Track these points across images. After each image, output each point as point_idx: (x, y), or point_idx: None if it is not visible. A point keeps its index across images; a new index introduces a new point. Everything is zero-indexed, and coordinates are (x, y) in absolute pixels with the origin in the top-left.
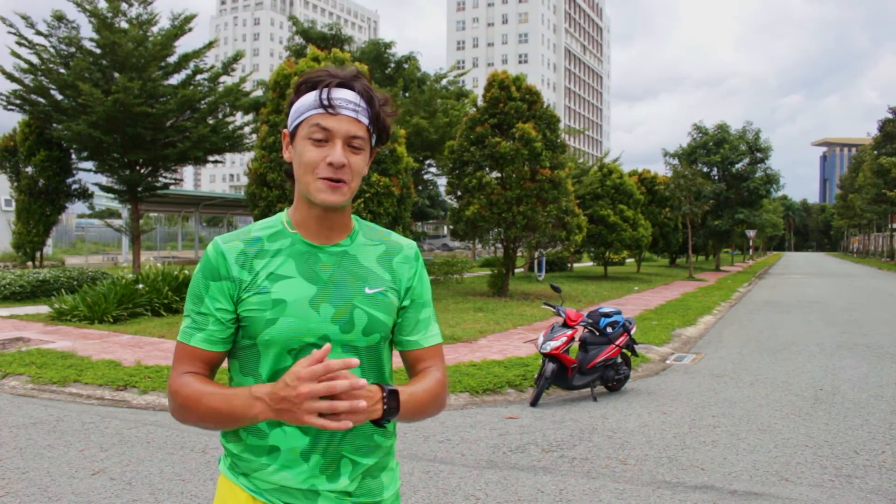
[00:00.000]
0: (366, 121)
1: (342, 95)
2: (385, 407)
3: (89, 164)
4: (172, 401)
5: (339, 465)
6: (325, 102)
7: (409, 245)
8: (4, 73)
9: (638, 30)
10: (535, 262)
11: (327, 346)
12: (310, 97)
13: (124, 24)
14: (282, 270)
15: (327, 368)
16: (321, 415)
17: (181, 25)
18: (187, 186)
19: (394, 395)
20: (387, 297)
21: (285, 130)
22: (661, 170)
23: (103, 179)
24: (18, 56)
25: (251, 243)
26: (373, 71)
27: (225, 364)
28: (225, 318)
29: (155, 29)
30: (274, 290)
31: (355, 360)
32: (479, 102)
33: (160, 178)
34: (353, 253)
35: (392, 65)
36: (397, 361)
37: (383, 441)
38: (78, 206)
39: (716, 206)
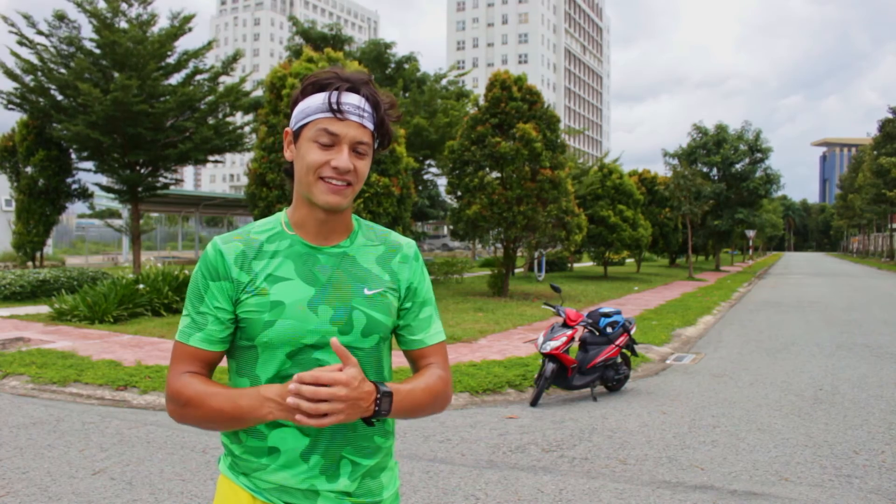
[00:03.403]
0: (371, 126)
1: (350, 100)
2: (376, 408)
3: (89, 164)
4: (173, 401)
5: (338, 465)
6: (335, 107)
7: (408, 244)
8: (6, 70)
9: (638, 30)
10: (535, 262)
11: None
12: (317, 99)
13: (124, 25)
14: (280, 272)
15: (332, 380)
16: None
17: (181, 25)
18: (187, 186)
19: (387, 396)
20: (386, 298)
21: (287, 129)
22: (661, 170)
23: (103, 179)
24: (18, 56)
25: (250, 244)
26: (373, 71)
27: (224, 364)
28: (224, 317)
29: (155, 29)
30: (272, 291)
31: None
32: (481, 102)
33: (160, 179)
34: (352, 254)
35: (392, 65)
36: (397, 361)
37: (384, 442)
38: (78, 206)
39: (716, 206)
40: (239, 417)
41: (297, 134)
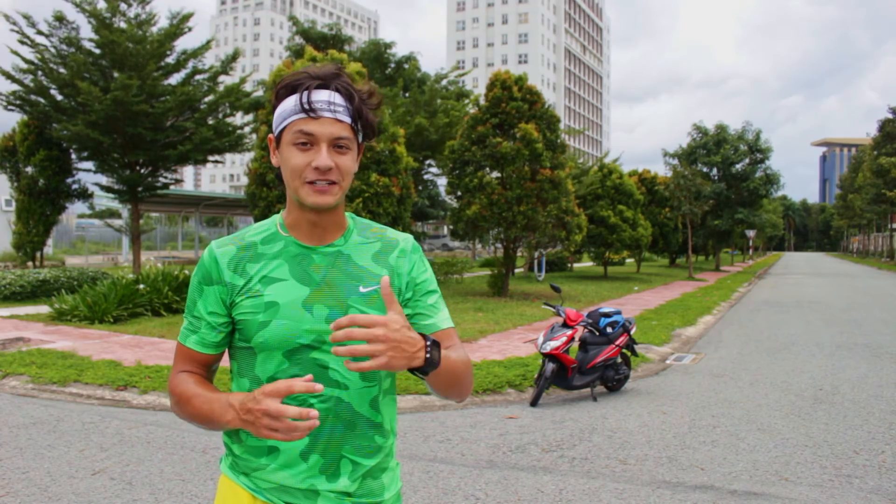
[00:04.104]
0: (348, 120)
1: (322, 97)
2: (427, 355)
3: (89, 164)
4: (170, 396)
5: (338, 465)
6: (306, 106)
7: (405, 239)
8: (4, 73)
9: (638, 30)
10: (535, 262)
11: (309, 376)
12: (290, 101)
13: (123, 25)
14: (275, 273)
15: (289, 389)
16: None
17: (179, 24)
18: (187, 186)
19: (437, 345)
20: None
21: (271, 136)
22: (661, 170)
23: (103, 179)
24: (19, 55)
25: (245, 247)
26: (373, 71)
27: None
28: (216, 322)
29: (154, 29)
30: (267, 292)
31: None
32: (482, 102)
33: (160, 179)
34: (347, 252)
35: (392, 65)
36: None
37: (384, 442)
38: (78, 206)
39: (716, 206)
40: (212, 421)
41: (278, 139)
